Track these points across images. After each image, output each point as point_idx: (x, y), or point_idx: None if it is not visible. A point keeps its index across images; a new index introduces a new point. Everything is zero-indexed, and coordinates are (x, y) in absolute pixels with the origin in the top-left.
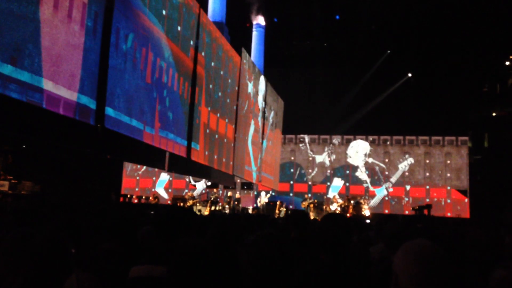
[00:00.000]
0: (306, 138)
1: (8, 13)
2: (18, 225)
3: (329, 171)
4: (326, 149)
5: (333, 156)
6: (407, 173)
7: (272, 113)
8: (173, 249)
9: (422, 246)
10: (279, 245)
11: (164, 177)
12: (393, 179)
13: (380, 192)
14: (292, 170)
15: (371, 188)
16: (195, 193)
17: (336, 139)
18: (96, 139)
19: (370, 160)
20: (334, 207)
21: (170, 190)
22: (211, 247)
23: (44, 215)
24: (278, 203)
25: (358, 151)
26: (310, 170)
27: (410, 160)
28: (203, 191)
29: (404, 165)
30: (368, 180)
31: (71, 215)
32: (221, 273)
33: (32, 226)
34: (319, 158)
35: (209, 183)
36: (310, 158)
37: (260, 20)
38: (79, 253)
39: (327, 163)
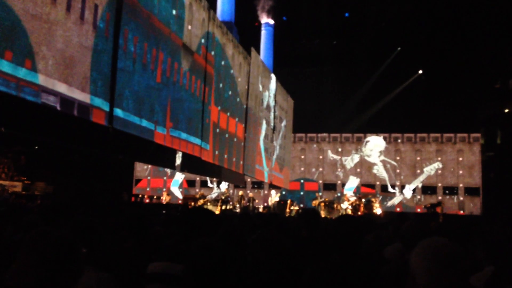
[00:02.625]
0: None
1: (23, 14)
2: (43, 224)
3: (341, 171)
4: (339, 148)
5: (354, 156)
6: (418, 171)
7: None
8: (191, 248)
9: (439, 244)
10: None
11: (179, 176)
12: (416, 182)
13: (398, 195)
14: (302, 169)
15: (390, 189)
16: (212, 195)
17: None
18: (107, 140)
19: (382, 158)
20: (345, 205)
21: (180, 190)
22: (226, 247)
23: (69, 215)
24: (289, 201)
25: (373, 148)
26: (320, 169)
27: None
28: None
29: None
30: (387, 177)
31: (88, 215)
32: (231, 272)
33: (57, 225)
34: (346, 161)
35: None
36: (331, 159)
37: (269, 19)
38: (97, 253)
39: (348, 164)
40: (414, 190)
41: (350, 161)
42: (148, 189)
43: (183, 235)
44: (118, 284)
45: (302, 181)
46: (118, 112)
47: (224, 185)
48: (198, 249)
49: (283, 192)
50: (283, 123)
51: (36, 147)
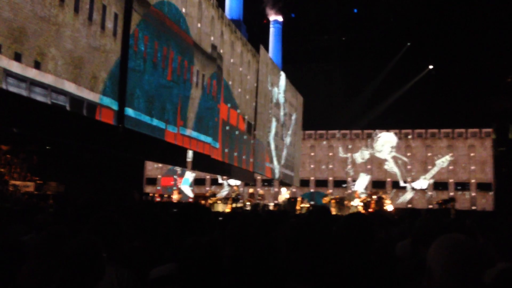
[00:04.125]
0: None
1: (32, 16)
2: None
3: (350, 166)
4: (348, 145)
5: (364, 152)
6: (429, 167)
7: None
8: (181, 248)
9: (457, 240)
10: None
11: (189, 175)
12: (429, 175)
13: (409, 190)
14: (312, 166)
15: (402, 184)
16: (223, 191)
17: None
18: (118, 139)
19: (393, 154)
20: (356, 202)
21: (191, 188)
22: (218, 245)
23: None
24: (299, 199)
25: (384, 144)
26: (331, 166)
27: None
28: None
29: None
30: (399, 173)
31: (106, 214)
32: (236, 269)
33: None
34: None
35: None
36: (342, 156)
37: (277, 16)
38: (115, 250)
39: (358, 159)
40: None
41: (359, 157)
42: (158, 187)
43: (181, 234)
44: (137, 280)
45: (312, 178)
46: (129, 111)
47: (233, 182)
48: (187, 247)
49: (293, 190)
50: (293, 121)
51: (48, 147)
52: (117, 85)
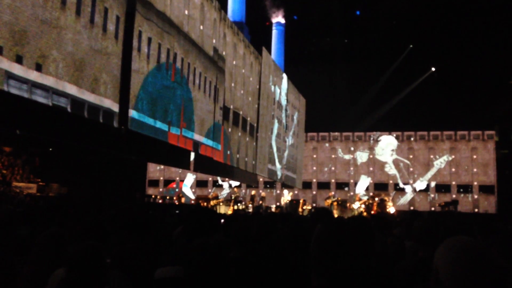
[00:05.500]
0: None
1: (33, 19)
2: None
3: (352, 169)
4: (350, 147)
5: (363, 154)
6: (431, 169)
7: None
8: (189, 249)
9: (464, 242)
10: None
11: (190, 176)
12: (427, 176)
13: (409, 192)
14: (314, 168)
15: (401, 185)
16: (223, 193)
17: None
18: (120, 141)
19: (394, 156)
20: (357, 205)
21: (193, 190)
22: (226, 247)
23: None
24: (301, 201)
25: (385, 147)
26: (333, 168)
27: (447, 157)
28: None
29: (440, 162)
30: (398, 176)
31: (99, 215)
32: (241, 271)
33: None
34: (358, 158)
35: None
36: (341, 157)
37: (280, 18)
38: (108, 251)
39: (359, 159)
40: (427, 186)
41: (358, 157)
42: (161, 189)
43: (188, 236)
44: (130, 283)
45: (314, 180)
46: (133, 113)
47: (234, 184)
48: (194, 249)
49: (296, 192)
50: (295, 122)
51: (50, 149)
52: (118, 87)
